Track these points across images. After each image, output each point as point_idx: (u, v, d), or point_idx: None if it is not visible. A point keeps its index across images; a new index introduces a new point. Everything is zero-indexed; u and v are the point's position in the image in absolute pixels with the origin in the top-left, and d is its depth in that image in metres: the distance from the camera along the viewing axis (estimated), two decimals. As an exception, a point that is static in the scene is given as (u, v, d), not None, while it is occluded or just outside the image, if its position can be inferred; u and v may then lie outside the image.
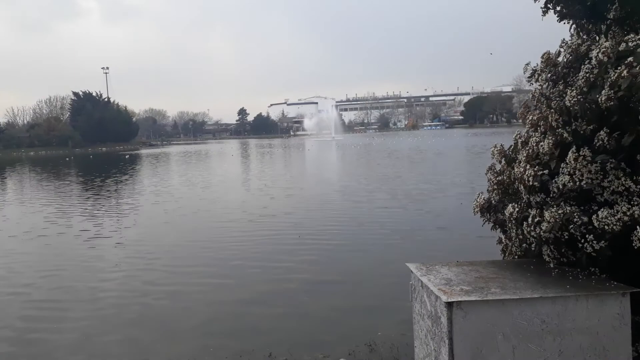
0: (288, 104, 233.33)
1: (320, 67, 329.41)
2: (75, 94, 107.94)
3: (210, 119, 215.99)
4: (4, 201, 18.63)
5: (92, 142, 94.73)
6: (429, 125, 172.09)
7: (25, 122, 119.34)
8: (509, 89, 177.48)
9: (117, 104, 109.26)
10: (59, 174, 33.55)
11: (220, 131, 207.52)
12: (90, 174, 31.01)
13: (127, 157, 55.19)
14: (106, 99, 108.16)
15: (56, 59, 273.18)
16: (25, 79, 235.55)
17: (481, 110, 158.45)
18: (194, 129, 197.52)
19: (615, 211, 2.54)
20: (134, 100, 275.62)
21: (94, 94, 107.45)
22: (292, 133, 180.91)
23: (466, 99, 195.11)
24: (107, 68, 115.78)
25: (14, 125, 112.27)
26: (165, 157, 53.28)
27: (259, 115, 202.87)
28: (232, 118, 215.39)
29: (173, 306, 6.30)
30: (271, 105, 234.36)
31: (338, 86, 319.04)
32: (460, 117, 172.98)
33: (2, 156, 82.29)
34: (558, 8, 3.45)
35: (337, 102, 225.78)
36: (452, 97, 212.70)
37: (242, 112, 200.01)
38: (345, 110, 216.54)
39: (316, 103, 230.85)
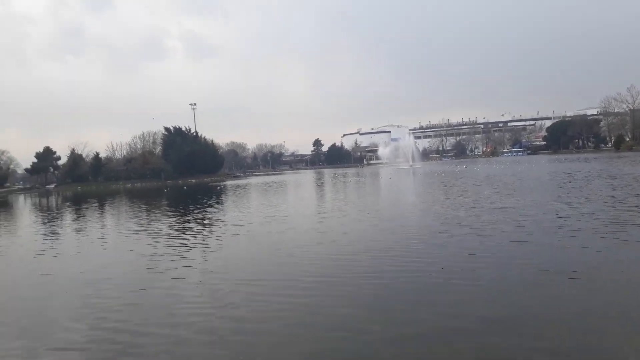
0: (361, 134, 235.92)
1: (392, 95, 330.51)
2: (166, 129, 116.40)
3: (286, 150, 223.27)
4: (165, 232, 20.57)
5: (182, 174, 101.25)
6: (510, 152, 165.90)
7: (122, 156, 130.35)
8: (594, 111, 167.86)
9: (205, 138, 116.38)
10: (176, 203, 36.32)
11: (297, 162, 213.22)
12: (197, 202, 33.42)
13: (218, 188, 58.35)
14: (194, 133, 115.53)
15: (145, 97, 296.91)
16: (119, 117, 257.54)
17: (565, 135, 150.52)
18: (272, 160, 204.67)
19: None
20: (217, 134, 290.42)
21: (184, 128, 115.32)
22: (365, 162, 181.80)
23: (547, 123, 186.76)
24: (195, 104, 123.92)
25: (112, 159, 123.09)
26: (256, 187, 55.73)
27: (333, 146, 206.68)
28: (306, 149, 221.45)
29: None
30: (344, 135, 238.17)
31: (410, 114, 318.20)
32: (543, 143, 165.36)
33: (104, 188, 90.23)
34: None
35: (410, 129, 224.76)
36: (532, 122, 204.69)
37: (317, 143, 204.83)
38: (419, 137, 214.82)
39: (389, 132, 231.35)
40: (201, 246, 14.37)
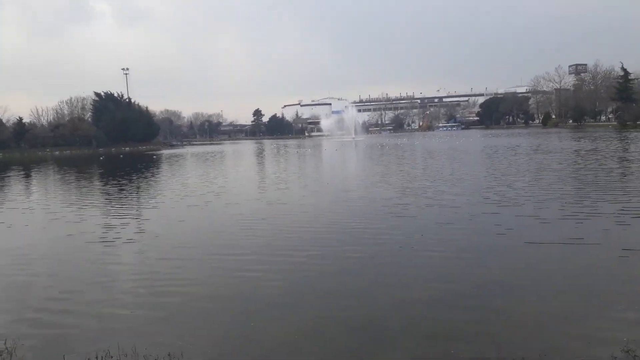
0: (302, 105, 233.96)
1: (332, 68, 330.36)
2: (97, 94, 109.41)
3: (225, 119, 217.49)
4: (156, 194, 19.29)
5: (114, 142, 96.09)
6: (445, 126, 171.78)
7: (47, 122, 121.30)
8: (523, 89, 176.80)
9: (138, 104, 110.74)
10: (135, 171, 34.37)
11: (236, 132, 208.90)
12: (157, 173, 31.87)
13: (154, 157, 56.05)
14: (127, 100, 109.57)
15: (72, 61, 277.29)
16: (43, 82, 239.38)
17: (497, 111, 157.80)
18: (210, 130, 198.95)
19: None
20: (150, 101, 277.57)
21: (116, 94, 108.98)
22: (307, 134, 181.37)
23: (480, 100, 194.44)
24: (127, 69, 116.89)
25: (36, 125, 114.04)
26: (197, 157, 54.05)
27: (274, 116, 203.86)
28: (246, 119, 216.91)
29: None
30: (285, 106, 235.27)
31: (350, 87, 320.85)
32: (476, 118, 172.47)
33: (29, 155, 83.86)
34: None
35: (350, 102, 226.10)
36: (465, 98, 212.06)
37: (257, 113, 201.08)
38: (359, 111, 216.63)
39: (329, 104, 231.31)
40: (164, 219, 13.68)
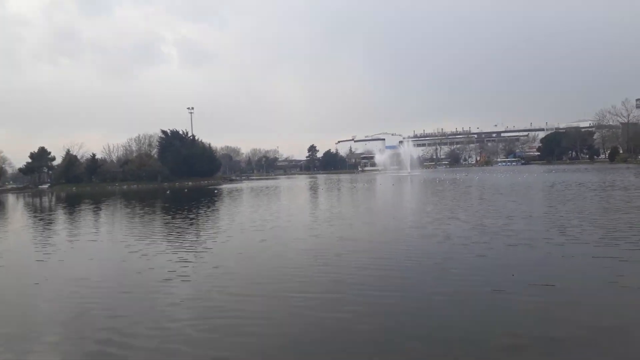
0: (355, 141, 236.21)
1: (386, 103, 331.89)
2: (163, 132, 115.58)
3: (280, 155, 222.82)
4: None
5: (178, 177, 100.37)
6: (504, 161, 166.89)
7: (116, 158, 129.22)
8: (586, 124, 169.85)
9: (202, 141, 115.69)
10: (195, 205, 35.76)
11: (291, 167, 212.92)
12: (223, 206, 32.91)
13: (215, 191, 57.77)
14: (192, 137, 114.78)
15: (140, 101, 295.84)
16: (114, 121, 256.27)
17: (559, 146, 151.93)
18: (267, 165, 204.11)
19: None
20: (211, 138, 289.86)
21: (181, 132, 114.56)
22: (360, 168, 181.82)
23: (540, 134, 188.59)
24: (192, 108, 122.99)
25: (106, 161, 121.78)
26: (259, 191, 55.23)
27: (328, 152, 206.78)
28: (300, 154, 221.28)
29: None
30: (338, 142, 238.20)
31: (405, 123, 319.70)
32: (537, 154, 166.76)
33: (99, 189, 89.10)
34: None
35: (403, 137, 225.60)
36: (525, 133, 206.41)
37: (312, 149, 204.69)
38: (414, 146, 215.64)
39: (383, 139, 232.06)
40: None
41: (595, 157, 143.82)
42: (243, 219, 22.76)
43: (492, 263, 10.86)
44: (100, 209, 35.87)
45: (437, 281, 9.47)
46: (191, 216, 25.61)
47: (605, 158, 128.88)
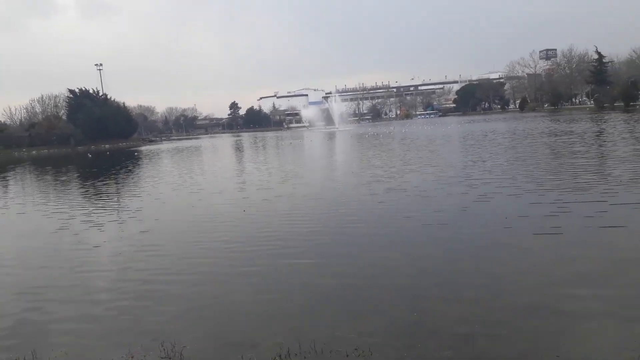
0: (278, 97, 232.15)
1: (306, 58, 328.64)
2: (71, 91, 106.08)
3: (200, 113, 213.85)
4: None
5: (93, 140, 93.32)
6: (423, 114, 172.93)
7: (19, 121, 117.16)
8: (496, 75, 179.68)
9: (115, 100, 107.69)
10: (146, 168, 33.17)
11: (212, 125, 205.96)
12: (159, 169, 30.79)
13: (135, 154, 54.55)
14: (103, 96, 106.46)
15: (39, 59, 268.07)
16: (9, 80, 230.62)
17: (474, 98, 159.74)
18: (186, 124, 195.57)
19: None
20: (123, 98, 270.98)
21: (91, 91, 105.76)
22: (285, 126, 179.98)
23: (455, 87, 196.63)
24: (101, 65, 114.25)
25: (8, 125, 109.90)
26: (186, 151, 52.78)
27: (251, 109, 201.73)
28: (221, 112, 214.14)
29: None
30: (261, 98, 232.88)
31: (326, 78, 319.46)
32: (453, 105, 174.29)
33: (5, 156, 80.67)
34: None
35: (326, 93, 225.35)
36: (440, 86, 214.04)
37: (234, 106, 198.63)
38: (330, 102, 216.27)
39: (306, 95, 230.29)
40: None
41: (506, 107, 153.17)
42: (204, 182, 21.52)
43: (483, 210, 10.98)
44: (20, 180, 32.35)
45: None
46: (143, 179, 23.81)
47: (516, 108, 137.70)
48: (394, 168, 20.44)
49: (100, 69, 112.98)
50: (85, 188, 22.56)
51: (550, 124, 46.29)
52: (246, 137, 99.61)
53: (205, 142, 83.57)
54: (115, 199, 18.45)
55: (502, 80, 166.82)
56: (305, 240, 9.61)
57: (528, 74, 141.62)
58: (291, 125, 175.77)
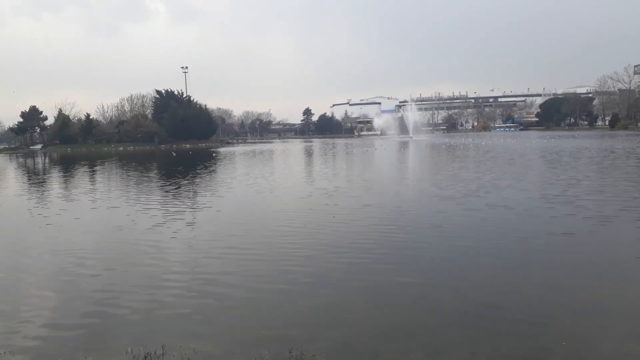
0: (351, 104, 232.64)
1: (381, 66, 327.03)
2: (158, 92, 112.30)
3: (274, 118, 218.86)
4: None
5: (175, 139, 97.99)
6: (502, 127, 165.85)
7: (108, 119, 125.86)
8: (583, 90, 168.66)
9: (198, 102, 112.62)
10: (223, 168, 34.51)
11: (285, 130, 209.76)
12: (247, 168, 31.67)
13: (213, 154, 56.21)
14: (187, 98, 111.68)
15: (128, 60, 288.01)
16: (101, 80, 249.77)
17: (559, 112, 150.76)
18: (261, 128, 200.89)
19: None
20: (203, 99, 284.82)
21: (176, 92, 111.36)
22: (356, 133, 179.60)
23: (537, 100, 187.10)
24: (186, 67, 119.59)
25: (100, 121, 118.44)
26: (266, 155, 53.88)
27: (323, 116, 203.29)
28: (294, 117, 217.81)
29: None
30: (333, 105, 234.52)
31: (400, 86, 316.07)
32: (535, 119, 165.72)
33: (95, 150, 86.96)
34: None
35: (400, 101, 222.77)
36: (522, 99, 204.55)
37: (307, 112, 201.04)
38: (405, 110, 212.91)
39: (379, 103, 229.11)
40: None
41: (594, 123, 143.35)
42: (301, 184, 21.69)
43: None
44: (138, 173, 34.47)
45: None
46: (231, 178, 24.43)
47: (605, 124, 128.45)
48: (487, 182, 19.38)
49: (185, 72, 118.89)
50: (207, 189, 23.41)
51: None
52: (318, 142, 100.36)
53: (281, 146, 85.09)
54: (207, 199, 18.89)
55: (590, 95, 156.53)
56: (410, 255, 9.13)
57: (620, 90, 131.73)
58: (362, 133, 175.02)
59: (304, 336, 5.59)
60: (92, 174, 32.67)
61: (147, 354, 5.22)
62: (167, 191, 20.35)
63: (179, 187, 21.52)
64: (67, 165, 44.12)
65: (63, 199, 19.29)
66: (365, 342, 5.49)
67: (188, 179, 25.45)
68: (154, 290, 7.42)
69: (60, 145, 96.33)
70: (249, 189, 20.07)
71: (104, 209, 15.95)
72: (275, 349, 5.24)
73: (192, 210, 15.10)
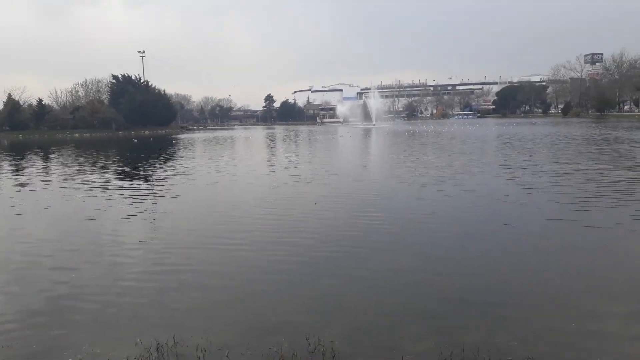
0: (313, 91, 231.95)
1: (344, 54, 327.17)
2: (114, 77, 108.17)
3: (234, 104, 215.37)
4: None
5: (133, 125, 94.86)
6: (460, 114, 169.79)
7: (62, 104, 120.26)
8: (537, 78, 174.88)
9: (156, 87, 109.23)
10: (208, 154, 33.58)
11: (247, 117, 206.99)
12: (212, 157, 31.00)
13: (174, 141, 54.91)
14: (145, 83, 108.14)
15: (82, 44, 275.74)
16: (53, 64, 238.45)
17: (515, 100, 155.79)
18: (221, 115, 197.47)
19: None
20: (161, 85, 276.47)
21: (133, 77, 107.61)
22: (319, 120, 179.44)
23: (494, 88, 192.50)
24: (143, 51, 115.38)
25: (53, 107, 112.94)
26: (230, 142, 53.05)
27: (285, 102, 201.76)
28: (256, 104, 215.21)
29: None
30: (295, 92, 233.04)
31: (361, 73, 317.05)
32: (492, 107, 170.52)
33: (49, 137, 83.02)
34: None
35: (361, 89, 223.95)
36: (479, 87, 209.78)
37: (269, 99, 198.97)
38: (369, 97, 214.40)
39: (341, 90, 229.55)
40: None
41: (548, 111, 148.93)
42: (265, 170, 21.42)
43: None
44: (91, 159, 33.08)
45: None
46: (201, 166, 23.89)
47: (558, 112, 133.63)
48: (459, 169, 19.85)
49: (142, 56, 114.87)
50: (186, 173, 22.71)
51: (607, 131, 44.62)
52: (281, 129, 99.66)
53: (243, 132, 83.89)
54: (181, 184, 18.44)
55: (544, 83, 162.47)
56: (399, 242, 9.26)
57: (572, 79, 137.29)
58: (325, 120, 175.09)
59: (317, 323, 5.58)
60: (59, 162, 31.23)
61: (159, 345, 5.08)
62: (139, 179, 19.73)
63: (153, 176, 20.93)
64: (20, 153, 41.96)
65: (43, 187, 18.35)
66: (378, 326, 5.53)
67: (158, 167, 24.77)
68: (154, 282, 7.22)
69: (10, 131, 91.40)
70: (222, 177, 19.73)
71: (102, 203, 15.30)
72: (291, 337, 5.21)
73: (174, 199, 14.67)
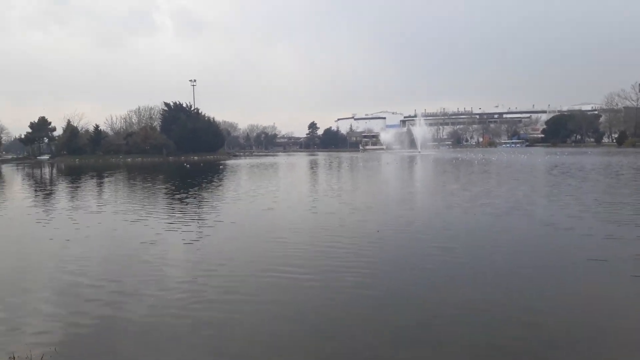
0: (355, 119, 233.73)
1: (386, 81, 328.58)
2: (166, 104, 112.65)
3: (279, 131, 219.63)
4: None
5: (183, 151, 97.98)
6: (508, 143, 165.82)
7: (116, 130, 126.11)
8: (588, 107, 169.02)
9: (206, 115, 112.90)
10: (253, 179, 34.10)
11: (291, 144, 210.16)
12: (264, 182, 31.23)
13: (220, 167, 55.74)
14: (195, 110, 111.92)
15: (135, 72, 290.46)
16: (108, 91, 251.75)
17: (565, 129, 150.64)
18: (266, 142, 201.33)
19: None
20: (209, 111, 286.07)
21: (184, 105, 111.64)
22: (362, 147, 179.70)
23: (542, 116, 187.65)
24: (195, 80, 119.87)
25: (108, 133, 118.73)
26: (277, 167, 53.49)
27: (328, 129, 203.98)
28: (299, 131, 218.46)
29: None
30: (338, 119, 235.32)
31: (405, 101, 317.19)
32: (541, 136, 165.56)
33: (103, 162, 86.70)
34: None
35: (404, 116, 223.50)
36: (527, 115, 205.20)
37: (312, 126, 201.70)
38: (413, 125, 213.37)
39: (384, 118, 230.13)
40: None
41: (601, 140, 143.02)
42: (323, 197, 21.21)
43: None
44: (151, 184, 34.05)
45: None
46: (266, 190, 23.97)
47: (611, 142, 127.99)
48: (524, 198, 18.90)
49: (194, 85, 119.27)
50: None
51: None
52: (324, 156, 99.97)
53: (286, 159, 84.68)
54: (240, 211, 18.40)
55: (596, 112, 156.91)
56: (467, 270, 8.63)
57: (626, 107, 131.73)
58: (368, 147, 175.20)
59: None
60: (116, 186, 32.24)
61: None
62: (197, 204, 19.89)
63: (210, 200, 21.10)
64: (77, 176, 43.71)
65: (91, 211, 18.78)
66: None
67: (212, 191, 25.02)
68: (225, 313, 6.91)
69: (68, 155, 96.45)
70: (276, 204, 19.55)
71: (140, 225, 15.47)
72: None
73: (232, 225, 14.58)
